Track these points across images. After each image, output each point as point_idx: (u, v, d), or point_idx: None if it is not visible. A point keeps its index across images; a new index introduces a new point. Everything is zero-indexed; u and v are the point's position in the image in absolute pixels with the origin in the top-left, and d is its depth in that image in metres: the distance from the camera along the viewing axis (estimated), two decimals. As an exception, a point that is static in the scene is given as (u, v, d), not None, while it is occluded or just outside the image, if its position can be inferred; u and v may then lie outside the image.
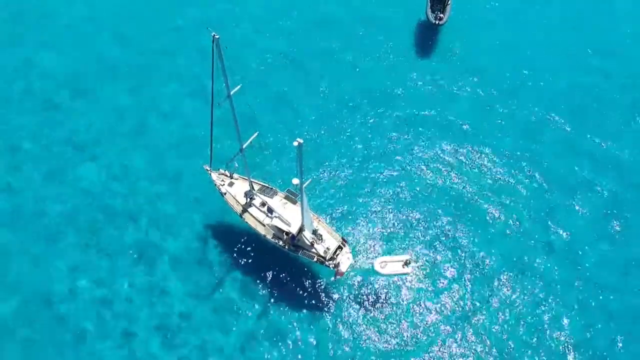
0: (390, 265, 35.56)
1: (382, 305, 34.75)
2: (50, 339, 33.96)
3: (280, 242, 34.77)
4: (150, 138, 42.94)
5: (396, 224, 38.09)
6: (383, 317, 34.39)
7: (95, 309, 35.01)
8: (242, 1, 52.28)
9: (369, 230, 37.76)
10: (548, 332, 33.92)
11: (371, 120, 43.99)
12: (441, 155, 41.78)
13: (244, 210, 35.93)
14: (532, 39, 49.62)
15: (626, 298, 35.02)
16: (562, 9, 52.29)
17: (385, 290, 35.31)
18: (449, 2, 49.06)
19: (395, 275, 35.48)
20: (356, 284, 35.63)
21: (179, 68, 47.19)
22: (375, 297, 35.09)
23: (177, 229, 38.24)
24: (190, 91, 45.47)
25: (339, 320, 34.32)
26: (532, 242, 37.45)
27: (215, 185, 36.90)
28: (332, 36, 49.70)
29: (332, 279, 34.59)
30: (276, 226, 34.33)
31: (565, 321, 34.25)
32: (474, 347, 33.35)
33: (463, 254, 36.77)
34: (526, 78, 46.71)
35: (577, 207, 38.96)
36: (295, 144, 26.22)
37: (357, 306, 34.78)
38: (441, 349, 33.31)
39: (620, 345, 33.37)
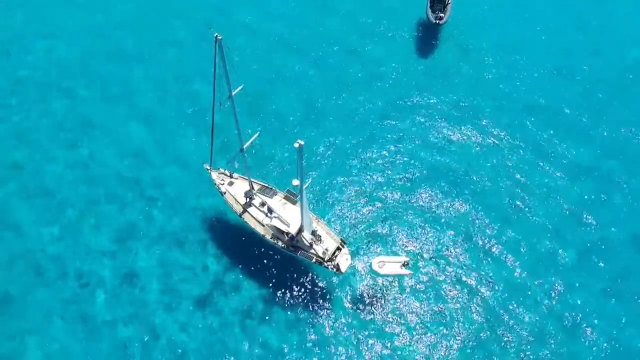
0: (388, 265, 35.53)
1: (380, 306, 34.81)
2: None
3: (280, 243, 34.80)
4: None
5: (396, 224, 38.11)
6: (381, 318, 34.44)
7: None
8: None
9: (368, 231, 37.78)
10: (549, 332, 34.10)
11: (371, 120, 44.02)
12: (442, 155, 41.79)
13: (244, 210, 35.94)
14: (532, 39, 49.62)
15: None
16: (562, 9, 52.33)
17: (383, 291, 35.36)
18: (450, 2, 49.04)
19: (393, 275, 35.51)
20: (354, 284, 35.68)
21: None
22: (373, 298, 35.15)
23: (176, 228, 38.27)
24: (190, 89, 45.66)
25: (337, 320, 34.38)
26: (533, 242, 37.58)
27: (215, 184, 36.89)
28: (333, 37, 49.75)
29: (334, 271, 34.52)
30: (275, 226, 34.36)
31: (566, 314, 34.54)
32: (474, 347, 33.46)
33: (463, 255, 36.83)
34: (527, 78, 46.74)
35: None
36: (296, 145, 26.25)
37: (356, 306, 34.83)
38: (441, 349, 33.40)
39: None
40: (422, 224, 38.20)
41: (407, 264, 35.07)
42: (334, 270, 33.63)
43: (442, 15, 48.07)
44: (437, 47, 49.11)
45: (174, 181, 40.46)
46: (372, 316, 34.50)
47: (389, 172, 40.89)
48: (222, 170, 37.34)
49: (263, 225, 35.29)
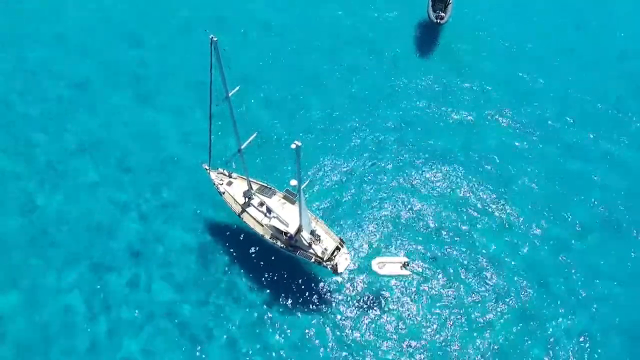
0: (388, 266, 35.53)
1: (379, 306, 34.78)
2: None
3: (279, 242, 34.80)
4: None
5: (395, 225, 38.08)
6: (380, 318, 34.41)
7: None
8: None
9: (367, 231, 37.78)
10: (551, 329, 34.05)
11: (371, 120, 43.99)
12: (442, 156, 41.74)
13: (243, 209, 35.94)
14: (532, 39, 49.52)
15: None
16: (563, 8, 52.24)
17: (382, 291, 35.34)
18: (450, 2, 49.01)
19: (393, 276, 35.49)
20: (354, 284, 35.66)
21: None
22: (372, 298, 35.12)
23: (175, 228, 38.27)
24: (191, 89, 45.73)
25: (336, 320, 34.35)
26: (533, 242, 37.53)
27: (214, 184, 36.90)
28: (333, 37, 49.72)
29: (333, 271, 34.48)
30: (274, 226, 34.35)
31: (563, 310, 34.51)
32: (474, 347, 33.42)
33: (463, 256, 36.79)
34: (526, 78, 46.65)
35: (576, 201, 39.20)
36: (293, 146, 26.21)
37: (355, 306, 34.81)
38: (441, 349, 33.37)
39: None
40: (422, 225, 38.17)
41: (407, 264, 35.07)
42: (332, 270, 33.61)
43: (443, 14, 48.08)
44: (438, 46, 49.01)
45: (173, 181, 40.50)
46: (371, 316, 34.46)
47: (390, 173, 40.83)
48: (220, 170, 37.35)
49: (262, 225, 35.29)
